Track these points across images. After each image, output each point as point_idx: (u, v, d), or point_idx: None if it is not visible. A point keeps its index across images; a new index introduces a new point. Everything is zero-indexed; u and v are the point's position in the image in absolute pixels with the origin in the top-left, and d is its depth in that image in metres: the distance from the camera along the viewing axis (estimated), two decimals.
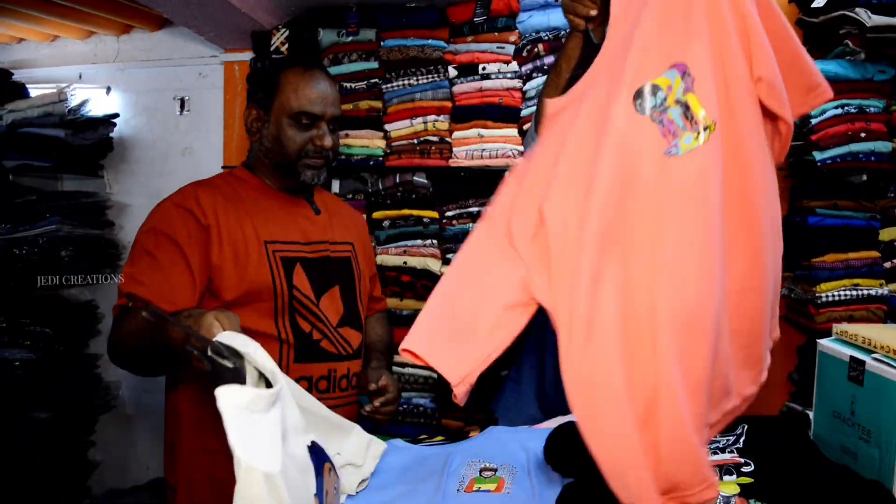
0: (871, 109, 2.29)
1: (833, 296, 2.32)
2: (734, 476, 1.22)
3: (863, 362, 1.26)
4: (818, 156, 2.31)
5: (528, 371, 1.86)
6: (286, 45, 2.52)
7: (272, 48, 2.52)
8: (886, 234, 2.34)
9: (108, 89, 3.14)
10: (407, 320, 2.56)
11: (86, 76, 3.16)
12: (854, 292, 2.31)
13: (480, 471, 1.19)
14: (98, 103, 3.09)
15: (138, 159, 3.17)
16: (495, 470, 1.19)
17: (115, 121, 3.06)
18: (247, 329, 1.32)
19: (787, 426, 1.55)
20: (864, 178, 2.35)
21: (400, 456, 1.31)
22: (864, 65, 2.26)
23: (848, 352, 1.33)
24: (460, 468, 1.21)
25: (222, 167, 2.95)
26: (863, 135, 2.27)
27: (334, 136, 1.56)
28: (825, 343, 1.43)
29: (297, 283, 1.50)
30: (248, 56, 2.89)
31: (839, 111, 2.29)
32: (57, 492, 2.80)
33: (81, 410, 2.94)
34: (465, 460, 1.23)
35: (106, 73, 3.16)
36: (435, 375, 2.56)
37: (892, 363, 1.22)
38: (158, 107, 3.13)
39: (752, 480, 1.19)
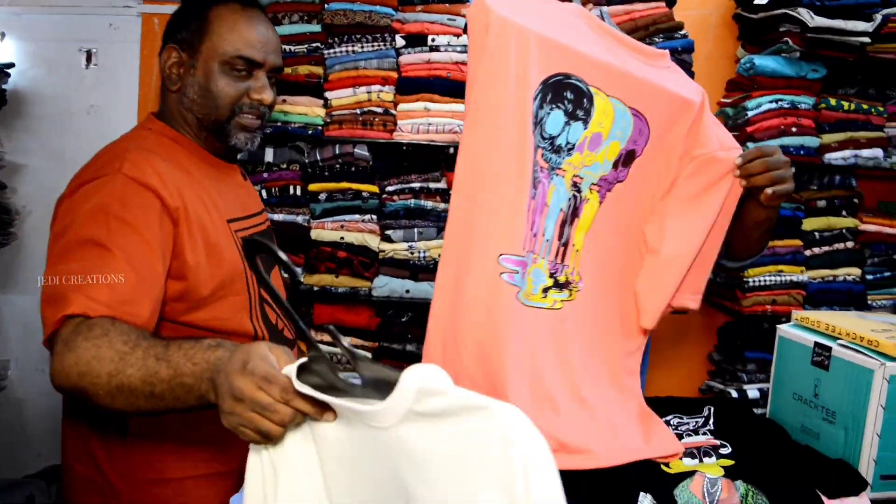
0: (803, 106, 2.41)
1: (759, 281, 2.44)
2: (714, 458, 1.24)
3: (829, 348, 1.31)
4: (752, 147, 2.40)
5: None
6: None
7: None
8: (809, 224, 2.49)
9: (2, 35, 2.79)
10: (342, 298, 2.46)
11: None
12: (778, 278, 2.45)
13: None
14: None
15: (37, 115, 2.84)
16: None
17: (9, 71, 2.73)
18: (224, 330, 1.20)
19: (744, 407, 1.61)
20: (793, 170, 2.47)
21: None
22: (799, 63, 2.37)
23: (811, 338, 1.38)
24: None
25: None
26: (794, 129, 2.39)
27: (273, 91, 1.30)
28: (786, 328, 1.48)
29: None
30: (171, 9, 2.65)
31: (774, 105, 2.39)
32: None
33: None
34: None
35: None
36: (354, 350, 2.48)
37: (858, 349, 1.27)
38: (61, 58, 2.82)
39: (734, 463, 1.22)
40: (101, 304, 0.98)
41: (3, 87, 2.74)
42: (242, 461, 0.86)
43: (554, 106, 1.23)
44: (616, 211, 1.33)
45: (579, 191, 1.29)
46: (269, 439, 0.80)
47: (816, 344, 1.33)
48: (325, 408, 0.80)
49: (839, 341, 1.31)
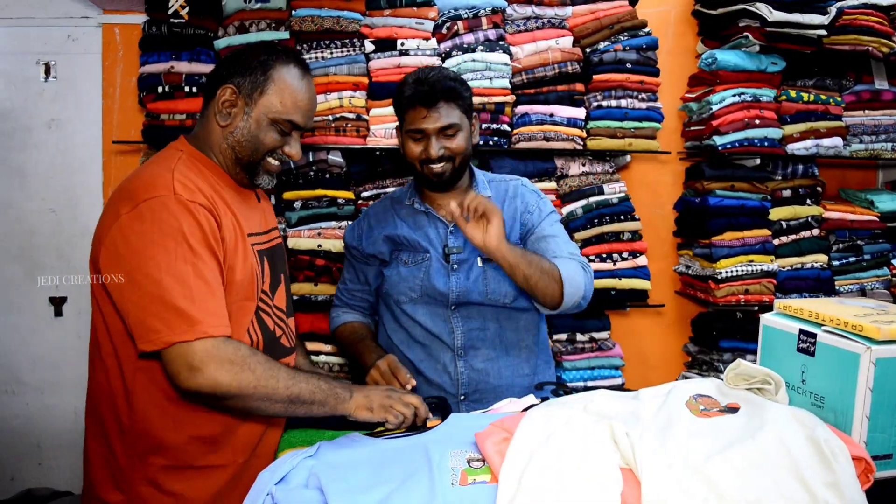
0: (764, 98, 2.48)
1: (731, 271, 2.50)
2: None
3: (814, 334, 1.35)
4: (719, 140, 2.46)
5: None
6: (186, 9, 2.27)
7: (170, 11, 2.26)
8: (776, 214, 2.56)
9: None
10: (322, 306, 2.44)
11: None
12: (749, 268, 2.51)
13: (468, 461, 1.16)
14: None
15: None
16: (482, 460, 1.16)
17: None
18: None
19: None
20: (758, 161, 2.54)
21: (365, 450, 1.24)
22: (758, 56, 2.43)
23: (795, 325, 1.41)
24: (445, 460, 1.16)
25: (113, 142, 2.64)
26: (757, 122, 2.45)
27: (299, 146, 1.45)
28: (769, 317, 1.51)
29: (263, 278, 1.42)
30: (132, 19, 2.59)
31: (737, 99, 2.45)
32: None
33: None
34: (445, 452, 1.19)
35: None
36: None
37: (842, 334, 1.31)
38: (18, 72, 2.73)
39: None
40: (222, 325, 1.21)
41: None
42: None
43: None
44: None
45: None
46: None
47: (801, 331, 1.36)
48: None
49: (824, 327, 1.34)
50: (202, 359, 1.17)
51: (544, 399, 1.41)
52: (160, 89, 2.31)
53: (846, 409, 1.27)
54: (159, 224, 1.20)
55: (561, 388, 1.60)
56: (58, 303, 2.77)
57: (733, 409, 1.25)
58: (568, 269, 1.63)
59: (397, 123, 2.39)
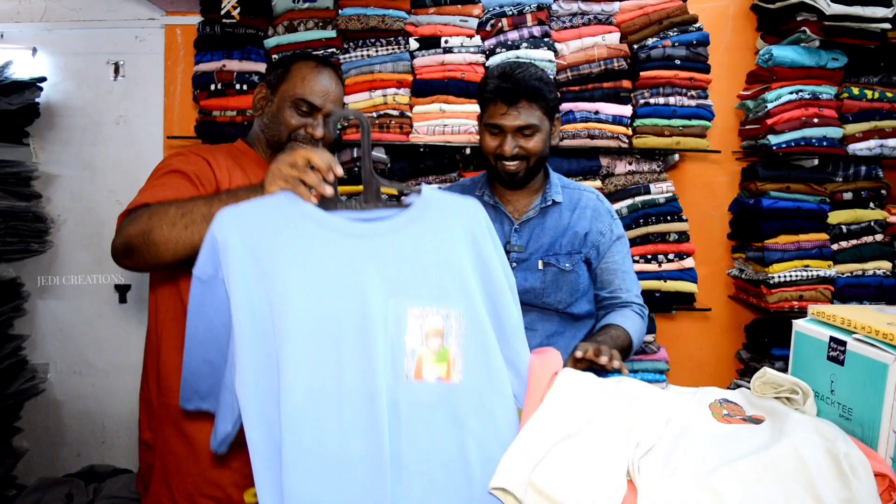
0: (824, 96, 2.36)
1: (784, 276, 2.39)
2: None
3: (844, 342, 1.28)
4: (773, 140, 2.36)
5: None
6: (238, 10, 2.36)
7: (222, 12, 2.36)
8: (835, 218, 2.43)
9: (35, 51, 2.89)
10: None
11: (8, 36, 2.89)
12: (804, 273, 2.39)
13: (431, 334, 1.03)
14: (23, 66, 2.84)
15: (68, 127, 2.93)
16: (441, 334, 1.04)
17: (41, 85, 2.83)
18: None
19: None
20: (816, 162, 2.42)
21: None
22: (818, 52, 2.32)
23: (827, 332, 1.35)
24: (399, 325, 1.01)
25: (168, 137, 2.78)
26: (815, 120, 2.34)
27: (326, 130, 1.59)
28: (802, 323, 1.45)
29: None
30: (192, 20, 2.71)
31: (794, 97, 2.34)
32: None
33: (5, 395, 2.74)
34: (402, 302, 1.02)
35: (31, 34, 2.90)
36: None
37: (873, 343, 1.24)
38: (90, 71, 2.91)
39: None
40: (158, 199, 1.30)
41: (36, 100, 2.83)
42: None
43: None
44: None
45: None
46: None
47: (832, 338, 1.30)
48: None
49: (854, 335, 1.28)
50: (121, 224, 1.32)
51: None
52: (213, 87, 2.41)
53: (873, 422, 1.21)
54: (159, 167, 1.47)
55: None
56: (122, 290, 2.93)
57: (757, 421, 1.21)
58: (635, 328, 1.67)
59: (444, 120, 2.45)
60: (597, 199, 1.81)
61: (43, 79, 2.83)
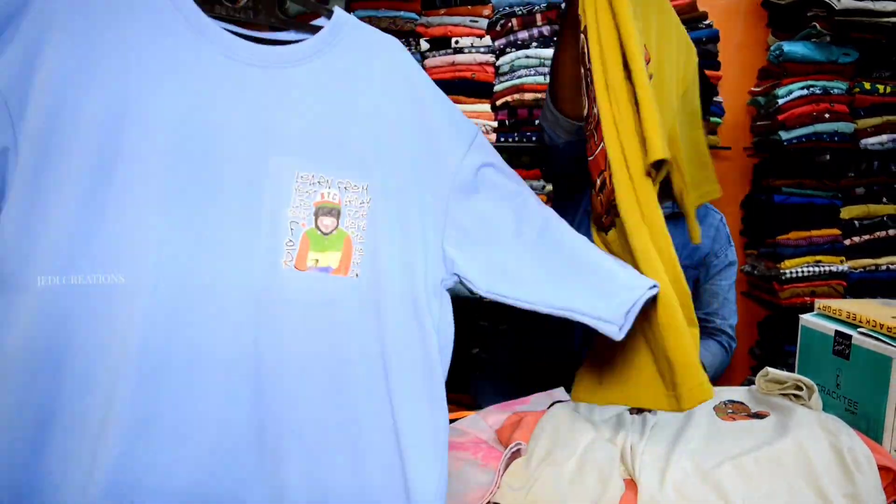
0: (835, 91, 2.35)
1: (796, 272, 2.39)
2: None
3: (849, 336, 1.29)
4: (784, 135, 2.36)
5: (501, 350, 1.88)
6: None
7: None
8: (847, 213, 2.43)
9: None
10: None
11: None
12: (816, 268, 2.39)
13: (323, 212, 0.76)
14: None
15: None
16: (335, 212, 0.76)
17: None
18: None
19: None
20: (828, 157, 2.42)
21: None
22: (829, 47, 2.31)
23: (832, 326, 1.36)
24: (283, 194, 0.73)
25: None
26: (827, 116, 2.33)
27: None
28: (808, 318, 1.46)
29: None
30: None
31: (805, 92, 2.34)
32: None
33: None
34: (290, 168, 0.74)
35: None
36: None
37: (878, 337, 1.25)
38: None
39: None
40: None
41: None
42: None
43: None
44: None
45: None
46: None
47: (837, 332, 1.31)
48: None
49: (859, 329, 1.29)
50: None
51: None
52: None
53: (878, 416, 1.22)
54: None
55: None
56: None
57: (762, 416, 1.22)
58: (712, 362, 1.74)
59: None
60: (720, 221, 1.83)
61: None
